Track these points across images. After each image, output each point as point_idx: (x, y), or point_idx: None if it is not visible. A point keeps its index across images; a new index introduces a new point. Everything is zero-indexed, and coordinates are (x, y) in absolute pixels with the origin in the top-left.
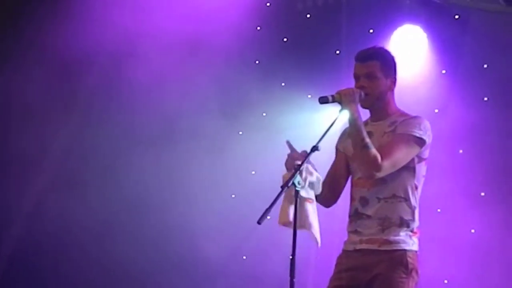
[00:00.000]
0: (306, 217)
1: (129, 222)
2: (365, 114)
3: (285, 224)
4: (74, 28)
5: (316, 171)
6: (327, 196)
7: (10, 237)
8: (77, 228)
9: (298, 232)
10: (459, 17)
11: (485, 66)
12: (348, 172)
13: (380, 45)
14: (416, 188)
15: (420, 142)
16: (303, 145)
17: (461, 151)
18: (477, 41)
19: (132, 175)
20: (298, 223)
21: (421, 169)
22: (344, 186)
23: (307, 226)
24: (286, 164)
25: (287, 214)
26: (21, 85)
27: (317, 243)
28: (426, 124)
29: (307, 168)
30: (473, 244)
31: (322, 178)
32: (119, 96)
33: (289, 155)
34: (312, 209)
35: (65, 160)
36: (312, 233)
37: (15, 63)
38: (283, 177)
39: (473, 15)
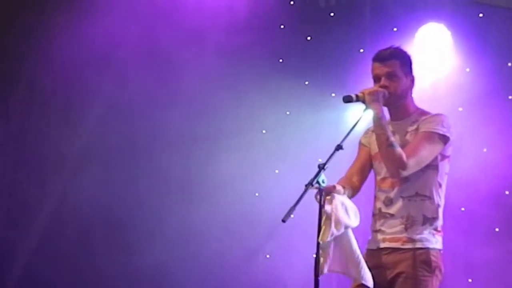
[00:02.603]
0: (346, 261)
1: (150, 220)
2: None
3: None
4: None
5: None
6: (356, 191)
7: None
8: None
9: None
10: (483, 15)
11: (509, 64)
12: (371, 165)
13: (404, 43)
14: (440, 186)
15: (444, 139)
16: (326, 144)
17: (485, 149)
18: (501, 39)
19: (154, 172)
20: (338, 266)
21: (444, 166)
22: (366, 179)
23: (348, 272)
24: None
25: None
26: (43, 77)
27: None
28: (449, 121)
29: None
30: (497, 242)
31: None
32: (142, 92)
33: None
34: (355, 249)
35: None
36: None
37: None
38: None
39: (497, 13)
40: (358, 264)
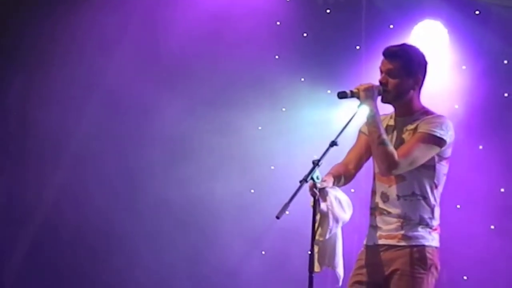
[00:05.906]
0: (334, 255)
1: (147, 219)
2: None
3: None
4: None
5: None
6: (350, 178)
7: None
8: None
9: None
10: (479, 12)
11: (505, 62)
12: (369, 154)
13: (400, 40)
14: (436, 187)
15: (440, 142)
16: (322, 141)
17: (481, 147)
18: (497, 37)
19: (150, 171)
20: (327, 261)
21: (442, 168)
22: (361, 167)
23: (333, 265)
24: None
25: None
26: (39, 79)
27: (339, 279)
28: (449, 124)
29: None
30: (493, 240)
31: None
32: (139, 92)
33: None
34: (340, 244)
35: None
36: (337, 272)
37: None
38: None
39: (494, 11)
40: (341, 259)
